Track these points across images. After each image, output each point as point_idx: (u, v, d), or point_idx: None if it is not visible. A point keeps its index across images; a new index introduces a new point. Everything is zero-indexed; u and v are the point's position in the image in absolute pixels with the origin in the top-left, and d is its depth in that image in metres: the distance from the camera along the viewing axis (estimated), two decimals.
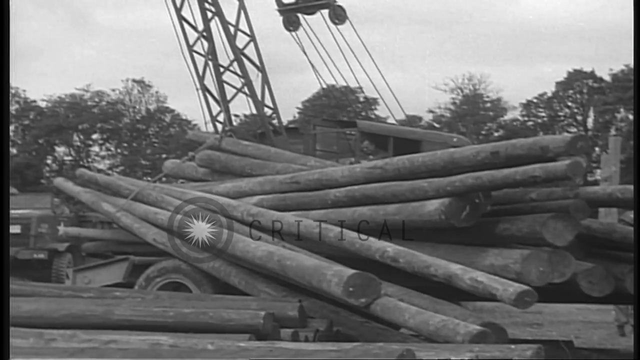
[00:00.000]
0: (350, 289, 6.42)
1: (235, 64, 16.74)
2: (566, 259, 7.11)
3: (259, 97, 16.91)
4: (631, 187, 7.54)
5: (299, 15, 17.86)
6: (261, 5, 17.78)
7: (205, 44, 16.93)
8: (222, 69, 16.79)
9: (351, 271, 6.56)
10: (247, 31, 16.92)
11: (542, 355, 5.24)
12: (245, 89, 16.81)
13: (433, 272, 6.59)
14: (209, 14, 16.04)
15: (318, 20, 17.56)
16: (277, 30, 17.76)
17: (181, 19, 16.95)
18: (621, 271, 7.51)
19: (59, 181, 12.61)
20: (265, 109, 17.20)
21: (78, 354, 5.36)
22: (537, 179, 6.89)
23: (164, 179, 12.20)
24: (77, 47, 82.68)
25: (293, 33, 17.90)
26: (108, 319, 6.79)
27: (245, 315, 6.59)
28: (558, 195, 7.72)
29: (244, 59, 16.89)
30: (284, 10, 17.83)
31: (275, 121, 17.37)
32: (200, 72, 17.11)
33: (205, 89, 17.18)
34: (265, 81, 17.02)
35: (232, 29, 16.76)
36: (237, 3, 16.41)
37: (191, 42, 16.96)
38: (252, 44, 16.63)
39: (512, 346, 5.40)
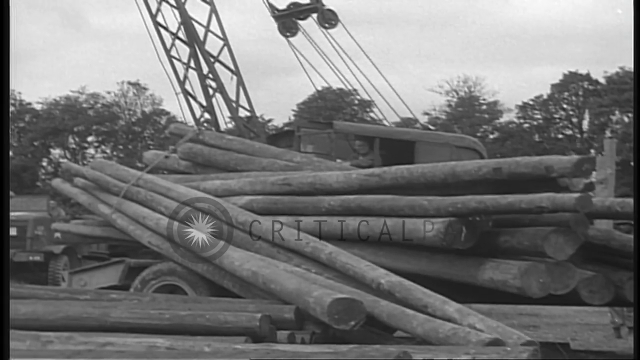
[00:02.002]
0: (335, 316, 6.34)
1: (214, 65, 16.88)
2: (570, 271, 7.07)
3: (235, 99, 16.99)
4: (630, 200, 7.51)
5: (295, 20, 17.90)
6: (258, 9, 17.83)
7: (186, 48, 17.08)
8: (203, 73, 16.92)
9: (329, 299, 6.43)
10: (221, 35, 16.99)
11: (538, 357, 5.24)
12: (218, 92, 16.94)
13: (431, 312, 6.42)
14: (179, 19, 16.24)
15: (315, 24, 17.60)
16: (276, 33, 17.80)
17: (157, 25, 17.04)
18: (620, 279, 7.48)
19: (57, 182, 12.62)
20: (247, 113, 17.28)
21: (75, 356, 5.36)
22: (544, 210, 6.74)
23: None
24: (72, 49, 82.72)
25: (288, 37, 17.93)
26: (104, 321, 6.76)
27: (242, 318, 6.57)
28: None
29: (229, 59, 17.01)
30: (278, 16, 17.86)
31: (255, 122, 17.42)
32: (182, 77, 17.22)
33: (186, 93, 17.27)
34: (241, 84, 17.05)
35: (206, 33, 16.90)
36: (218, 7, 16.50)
37: (170, 48, 17.13)
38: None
39: (509, 348, 5.40)
